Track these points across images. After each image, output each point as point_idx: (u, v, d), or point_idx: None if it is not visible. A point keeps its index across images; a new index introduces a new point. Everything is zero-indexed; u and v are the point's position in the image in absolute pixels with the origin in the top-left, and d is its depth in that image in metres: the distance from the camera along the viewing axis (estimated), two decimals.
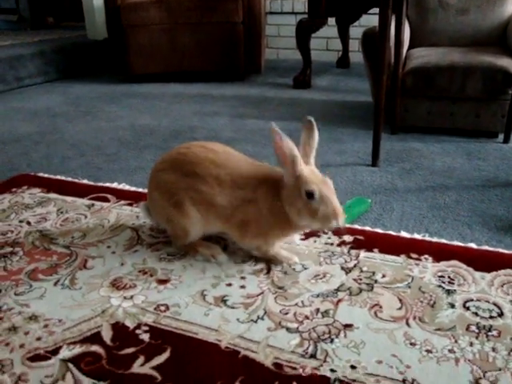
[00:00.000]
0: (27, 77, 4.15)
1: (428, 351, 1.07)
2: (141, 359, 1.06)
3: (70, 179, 2.09)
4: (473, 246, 1.50)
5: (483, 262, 1.39)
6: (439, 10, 2.96)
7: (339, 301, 1.23)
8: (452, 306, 1.21)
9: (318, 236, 1.54)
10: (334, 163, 2.23)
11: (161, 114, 3.17)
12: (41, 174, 2.14)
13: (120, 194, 1.89)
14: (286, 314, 1.19)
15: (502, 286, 1.28)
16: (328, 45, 5.01)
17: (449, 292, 1.27)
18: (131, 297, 1.27)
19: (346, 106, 3.25)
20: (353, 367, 1.03)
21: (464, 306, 1.22)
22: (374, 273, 1.34)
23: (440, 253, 1.44)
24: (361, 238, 1.53)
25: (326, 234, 1.56)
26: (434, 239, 1.53)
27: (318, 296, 1.25)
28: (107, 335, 1.14)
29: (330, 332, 1.12)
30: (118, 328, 1.16)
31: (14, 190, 1.97)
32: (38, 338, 1.14)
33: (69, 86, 4.13)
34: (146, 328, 1.16)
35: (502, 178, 2.06)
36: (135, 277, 1.36)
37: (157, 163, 1.50)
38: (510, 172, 2.11)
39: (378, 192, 1.91)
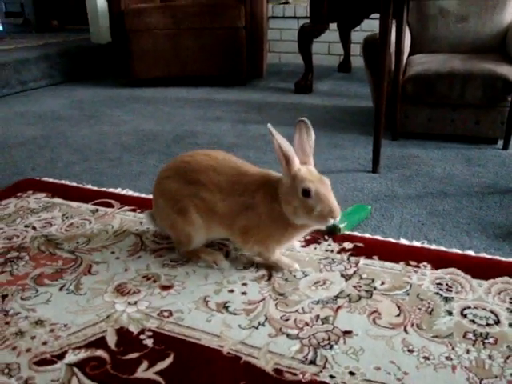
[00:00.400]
0: (32, 80, 4.19)
1: (425, 358, 1.10)
2: (144, 364, 1.09)
3: (74, 184, 2.12)
4: (471, 253, 1.52)
5: (481, 270, 1.41)
6: (439, 17, 2.98)
7: (339, 307, 1.26)
8: (449, 313, 1.24)
9: (319, 243, 1.57)
10: (334, 169, 2.26)
11: (164, 118, 3.20)
12: (45, 179, 2.17)
13: (124, 200, 1.92)
14: (287, 320, 1.21)
15: (499, 294, 1.31)
16: (330, 49, 5.04)
17: (446, 299, 1.29)
18: (135, 302, 1.30)
19: (347, 111, 3.28)
20: (351, 373, 1.05)
21: (461, 313, 1.24)
22: (373, 280, 1.37)
23: (438, 260, 1.47)
24: (360, 245, 1.55)
25: (327, 241, 1.58)
26: (433, 246, 1.56)
27: (317, 303, 1.27)
28: (112, 340, 1.17)
29: (329, 338, 1.15)
30: (123, 333, 1.19)
31: (19, 194, 2.00)
32: (44, 343, 1.17)
33: (73, 89, 4.17)
34: (150, 333, 1.18)
35: (502, 184, 2.09)
36: (139, 282, 1.39)
37: (162, 170, 1.53)
38: (509, 179, 2.13)
39: (377, 199, 1.94)
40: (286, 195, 1.31)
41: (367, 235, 1.63)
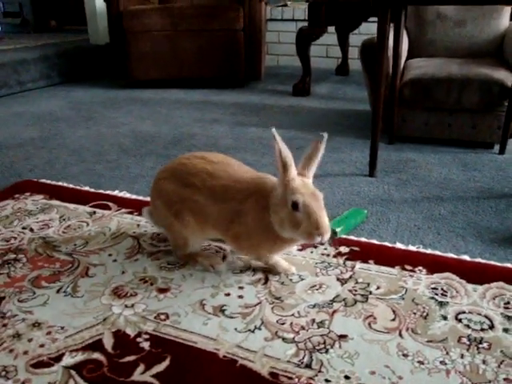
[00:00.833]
0: (30, 81, 4.20)
1: (420, 362, 1.11)
2: (141, 367, 1.10)
3: (72, 186, 2.12)
4: (466, 258, 1.53)
5: (476, 275, 1.43)
6: (437, 22, 3.00)
7: (334, 311, 1.26)
8: (444, 318, 1.25)
9: (315, 247, 1.58)
10: (331, 173, 2.27)
11: (161, 120, 3.21)
12: (43, 181, 2.18)
13: (121, 202, 1.93)
14: (283, 324, 1.22)
15: (494, 299, 1.32)
16: (328, 52, 5.06)
17: (441, 304, 1.30)
18: (132, 305, 1.31)
19: (344, 114, 3.29)
20: (347, 377, 1.06)
21: (456, 318, 1.25)
22: (368, 284, 1.38)
23: (434, 265, 1.48)
24: (356, 249, 1.56)
25: (323, 244, 1.59)
26: (429, 251, 1.57)
27: (313, 307, 1.28)
28: (108, 343, 1.17)
29: (325, 342, 1.16)
30: (119, 336, 1.19)
31: (16, 196, 2.01)
32: (42, 345, 1.17)
33: (71, 90, 4.17)
34: (147, 336, 1.19)
35: (497, 189, 2.10)
36: (136, 285, 1.39)
37: (159, 171, 1.53)
38: (505, 184, 2.15)
39: (374, 203, 1.95)
40: (276, 205, 1.28)
41: (363, 239, 1.64)
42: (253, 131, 2.89)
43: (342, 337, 1.18)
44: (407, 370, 1.09)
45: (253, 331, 1.20)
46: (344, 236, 1.64)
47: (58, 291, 1.37)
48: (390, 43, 2.47)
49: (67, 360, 1.12)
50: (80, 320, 1.25)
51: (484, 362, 1.11)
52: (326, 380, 1.05)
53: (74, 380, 1.07)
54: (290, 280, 1.41)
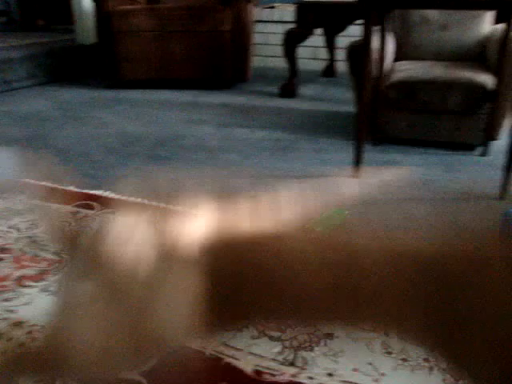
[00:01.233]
0: (16, 80, 4.17)
1: (403, 360, 1.13)
2: None
3: (57, 185, 2.12)
4: None
5: None
6: (422, 25, 3.04)
7: None
8: None
9: None
10: (316, 174, 2.29)
11: (148, 121, 3.21)
12: (28, 180, 2.17)
13: (105, 202, 1.93)
14: (270, 323, 1.24)
15: None
16: (315, 54, 5.09)
17: None
18: None
19: (330, 115, 3.32)
20: (330, 375, 1.08)
21: None
22: None
23: None
24: None
25: None
26: None
27: None
28: None
29: (310, 340, 1.18)
30: None
31: (4, 195, 2.00)
32: (21, 344, 1.17)
33: (57, 90, 4.16)
34: None
35: (477, 190, 2.14)
36: None
37: None
38: (485, 185, 2.18)
39: (356, 203, 1.97)
40: None
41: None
42: (239, 132, 2.91)
43: (328, 335, 1.20)
44: (390, 367, 1.11)
45: (240, 330, 1.21)
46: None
47: (42, 290, 1.38)
48: (376, 46, 2.51)
49: None
50: None
51: None
52: (309, 377, 1.07)
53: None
54: None
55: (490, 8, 2.71)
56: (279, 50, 4.52)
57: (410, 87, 2.61)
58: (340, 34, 4.63)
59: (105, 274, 0.77)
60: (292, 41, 3.77)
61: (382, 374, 1.09)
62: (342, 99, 3.77)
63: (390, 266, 0.73)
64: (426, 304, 0.70)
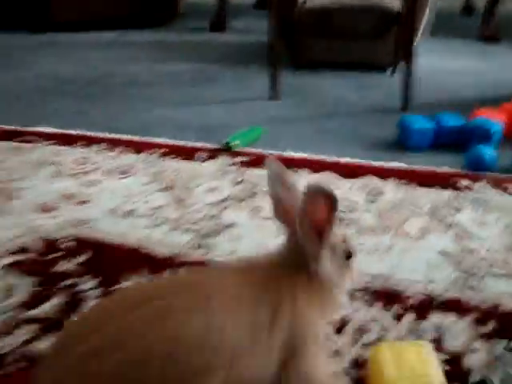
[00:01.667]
0: None
1: None
2: (65, 260, 1.32)
3: None
4: (346, 159, 1.81)
5: (350, 172, 1.71)
6: None
7: (225, 207, 1.52)
8: None
9: (215, 158, 1.82)
10: (236, 99, 2.48)
11: (80, 62, 3.29)
12: None
13: (42, 136, 2.08)
14: (182, 219, 1.47)
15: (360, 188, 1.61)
16: None
17: None
18: (54, 217, 1.51)
19: (256, 46, 3.47)
20: (232, 253, 1.32)
21: None
22: (257, 185, 1.64)
23: (317, 166, 1.75)
24: (250, 158, 1.82)
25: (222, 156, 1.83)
26: (314, 156, 1.84)
27: (209, 204, 1.54)
28: (36, 246, 1.38)
29: (215, 230, 1.42)
30: (45, 240, 1.40)
31: None
32: None
33: None
34: (69, 238, 1.41)
35: (384, 105, 2.39)
36: (59, 201, 1.59)
37: None
38: (391, 101, 2.42)
39: (272, 122, 2.19)
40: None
41: (258, 150, 1.89)
42: (167, 67, 3.05)
43: (231, 225, 1.44)
44: None
45: (158, 226, 1.44)
46: (240, 149, 1.89)
47: None
48: None
49: (2, 261, 1.33)
50: (11, 232, 1.45)
51: None
52: (215, 256, 1.31)
53: (9, 275, 1.28)
54: (190, 187, 1.65)
55: None
56: None
57: (323, 13, 2.79)
58: None
59: None
60: None
61: None
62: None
63: None
64: None
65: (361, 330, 1.08)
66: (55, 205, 1.58)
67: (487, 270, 1.26)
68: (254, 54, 3.30)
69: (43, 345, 1.06)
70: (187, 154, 1.88)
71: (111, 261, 1.32)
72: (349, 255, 0.87)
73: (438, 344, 1.02)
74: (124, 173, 1.75)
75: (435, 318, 1.11)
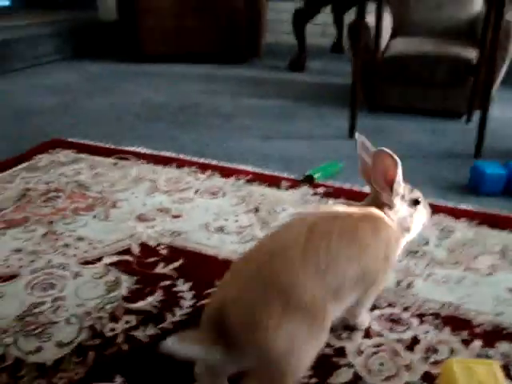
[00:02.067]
0: (44, 55, 4.53)
1: None
2: (162, 264, 1.48)
3: (95, 143, 2.49)
4: None
5: None
6: (418, 4, 3.34)
7: None
8: None
9: (297, 188, 1.96)
10: (317, 136, 2.64)
11: (169, 91, 3.57)
12: (70, 139, 2.55)
13: (137, 155, 2.30)
14: None
15: (433, 225, 1.70)
16: (324, 31, 5.37)
17: None
18: (152, 226, 1.69)
19: (334, 87, 3.65)
20: None
21: None
22: None
23: None
24: (330, 190, 1.95)
25: (305, 187, 1.97)
26: None
27: None
28: (135, 250, 1.56)
29: None
30: (144, 245, 1.58)
31: (50, 151, 2.38)
32: (86, 251, 1.56)
33: (84, 64, 4.52)
34: (165, 246, 1.58)
35: (457, 151, 2.47)
36: (155, 213, 1.78)
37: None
38: (465, 147, 2.51)
39: (350, 158, 2.31)
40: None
41: (337, 184, 2.02)
42: (250, 101, 3.26)
43: None
44: None
45: (245, 243, 1.58)
46: (321, 181, 2.03)
47: (94, 217, 1.76)
48: (373, 23, 2.84)
49: (106, 260, 1.51)
50: (113, 236, 1.64)
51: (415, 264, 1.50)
52: None
53: (112, 272, 1.46)
54: (275, 211, 1.79)
55: None
56: (291, 27, 4.83)
57: (402, 61, 2.93)
58: (349, 12, 4.91)
59: None
60: (300, 19, 4.08)
61: None
62: (346, 73, 4.05)
63: None
64: None
65: (430, 350, 1.17)
66: (151, 216, 1.77)
67: None
68: (332, 94, 3.46)
69: (142, 334, 1.22)
70: (271, 181, 2.04)
71: (203, 269, 1.47)
72: (416, 202, 1.20)
73: (504, 370, 1.10)
74: (214, 194, 1.93)
75: (503, 347, 1.19)
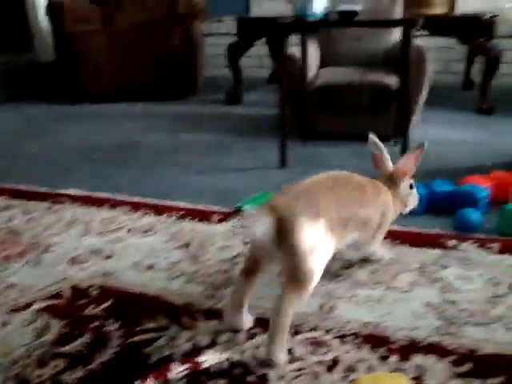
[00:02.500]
0: None
1: None
2: (92, 306, 1.50)
3: (29, 188, 2.48)
4: None
5: None
6: (341, 37, 3.52)
7: (236, 263, 1.71)
8: None
9: (227, 221, 2.02)
10: (248, 167, 2.72)
11: (106, 131, 3.60)
12: (2, 186, 2.53)
13: (73, 198, 2.32)
14: (197, 272, 1.66)
15: None
16: (261, 62, 5.54)
17: None
18: (84, 268, 1.71)
19: (268, 119, 3.75)
20: None
21: None
22: None
23: None
24: None
25: (234, 219, 2.04)
26: None
27: (220, 261, 1.73)
28: (67, 293, 1.57)
29: (227, 283, 1.60)
30: (75, 288, 1.59)
31: None
32: (15, 299, 1.56)
33: (21, 106, 4.51)
34: (97, 287, 1.60)
35: None
36: (87, 255, 1.80)
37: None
38: None
39: (279, 187, 2.39)
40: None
41: None
42: (186, 136, 3.34)
43: None
44: None
45: (174, 279, 1.62)
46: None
47: (25, 263, 1.76)
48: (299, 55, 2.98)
49: (36, 306, 1.51)
50: (44, 281, 1.64)
51: None
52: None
53: (42, 317, 1.46)
54: (205, 245, 1.84)
55: (394, 25, 3.22)
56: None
57: (330, 90, 3.07)
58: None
59: None
60: (234, 52, 4.22)
61: None
62: None
63: None
64: None
65: (350, 369, 1.24)
66: (84, 258, 1.78)
67: (467, 319, 1.41)
68: (267, 125, 3.57)
69: (69, 377, 1.23)
70: (202, 216, 2.09)
71: (132, 307, 1.50)
72: (411, 187, 1.70)
73: (418, 381, 1.18)
74: (146, 232, 1.96)
75: (417, 359, 1.26)
